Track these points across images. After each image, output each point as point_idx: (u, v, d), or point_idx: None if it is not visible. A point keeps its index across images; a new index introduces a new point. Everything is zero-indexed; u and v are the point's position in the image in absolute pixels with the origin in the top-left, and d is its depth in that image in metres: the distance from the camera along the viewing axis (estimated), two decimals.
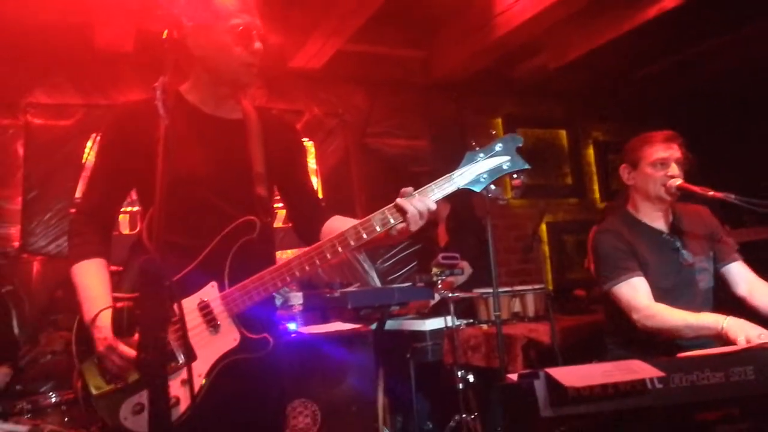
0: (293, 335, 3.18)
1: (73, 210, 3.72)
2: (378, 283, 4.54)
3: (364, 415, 3.13)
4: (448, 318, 3.27)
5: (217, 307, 1.57)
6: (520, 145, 1.59)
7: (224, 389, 1.55)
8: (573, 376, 1.46)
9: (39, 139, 3.71)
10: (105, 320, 1.48)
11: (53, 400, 2.73)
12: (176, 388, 1.46)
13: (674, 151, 2.39)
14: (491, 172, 1.58)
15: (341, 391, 3.08)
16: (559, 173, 5.75)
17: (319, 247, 1.57)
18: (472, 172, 1.57)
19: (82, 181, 3.77)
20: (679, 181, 2.34)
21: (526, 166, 1.57)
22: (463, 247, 3.71)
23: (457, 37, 4.53)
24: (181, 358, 1.52)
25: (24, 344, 3.51)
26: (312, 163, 4.55)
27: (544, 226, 5.45)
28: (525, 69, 5.13)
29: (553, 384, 1.44)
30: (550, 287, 5.23)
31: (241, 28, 1.61)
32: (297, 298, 3.44)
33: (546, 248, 5.51)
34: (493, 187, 1.59)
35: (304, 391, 3.00)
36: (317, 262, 1.56)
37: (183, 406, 1.46)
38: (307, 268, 1.56)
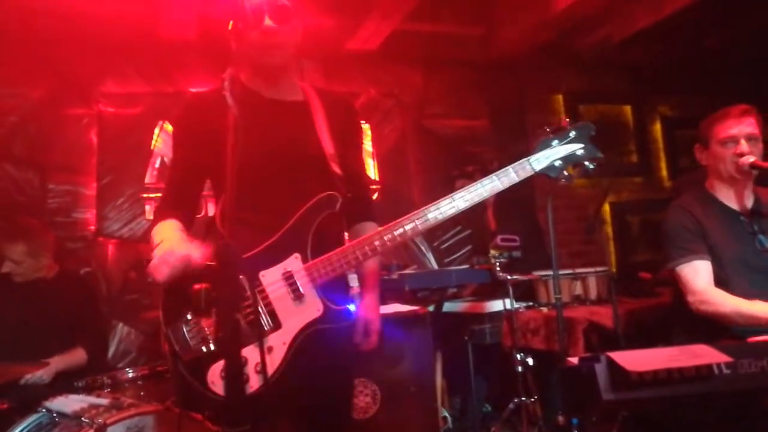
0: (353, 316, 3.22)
1: (143, 195, 3.91)
2: (435, 266, 4.53)
3: (423, 395, 3.15)
4: (507, 300, 3.24)
5: (302, 278, 1.62)
6: (593, 133, 1.65)
7: (305, 357, 1.60)
8: (636, 360, 1.44)
9: (111, 128, 3.89)
10: (171, 235, 1.54)
11: (130, 375, 2.88)
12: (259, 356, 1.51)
13: (745, 126, 2.26)
14: (565, 158, 1.64)
15: (400, 372, 3.11)
16: (624, 150, 5.53)
17: (398, 223, 1.64)
18: (548, 158, 1.63)
19: (150, 168, 3.94)
20: (752, 159, 2.22)
21: (600, 155, 1.64)
22: (510, 232, 3.64)
23: (515, 12, 4.41)
24: (267, 327, 1.58)
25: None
26: (368, 145, 4.57)
27: (607, 206, 5.27)
28: (587, 42, 4.94)
29: (614, 368, 1.42)
30: (614, 270, 5.07)
31: (248, 11, 1.59)
32: (355, 280, 3.47)
33: (609, 229, 5.34)
34: (566, 173, 1.64)
35: (363, 371, 3.05)
36: (396, 235, 1.63)
37: (267, 372, 1.51)
38: (387, 242, 1.62)
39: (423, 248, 4.58)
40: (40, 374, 2.81)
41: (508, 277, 3.24)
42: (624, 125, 5.57)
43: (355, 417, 3.00)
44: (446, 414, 3.57)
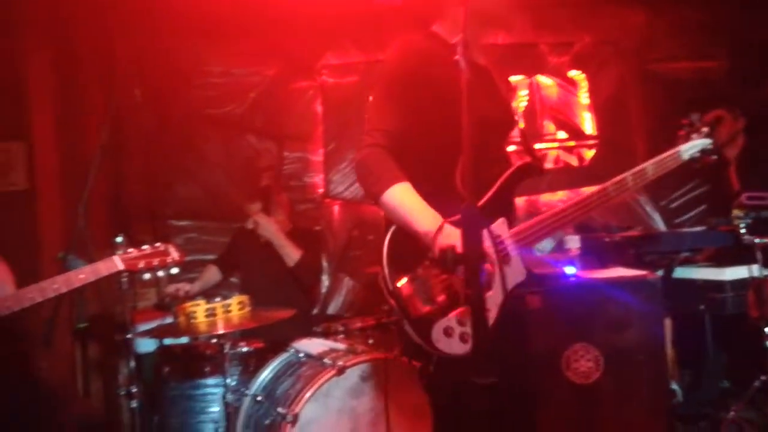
0: (572, 279, 3.13)
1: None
2: (662, 227, 4.18)
3: (651, 366, 2.95)
4: (754, 267, 2.89)
5: (509, 243, 1.66)
6: None
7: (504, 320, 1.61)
8: None
9: (333, 97, 4.19)
10: (452, 229, 1.52)
11: (359, 324, 3.16)
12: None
13: None
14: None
15: (625, 339, 2.94)
16: None
17: (599, 192, 1.75)
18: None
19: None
20: None
21: None
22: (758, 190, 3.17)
23: None
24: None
25: (329, 277, 4.14)
26: (584, 97, 4.33)
27: None
28: None
29: None
30: None
31: None
32: (574, 242, 3.35)
33: None
34: None
35: (584, 335, 2.95)
36: (593, 206, 1.73)
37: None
38: (581, 214, 1.71)
39: (648, 208, 4.24)
40: None
41: (756, 241, 2.86)
42: None
43: (577, 381, 2.94)
44: (676, 387, 3.33)
